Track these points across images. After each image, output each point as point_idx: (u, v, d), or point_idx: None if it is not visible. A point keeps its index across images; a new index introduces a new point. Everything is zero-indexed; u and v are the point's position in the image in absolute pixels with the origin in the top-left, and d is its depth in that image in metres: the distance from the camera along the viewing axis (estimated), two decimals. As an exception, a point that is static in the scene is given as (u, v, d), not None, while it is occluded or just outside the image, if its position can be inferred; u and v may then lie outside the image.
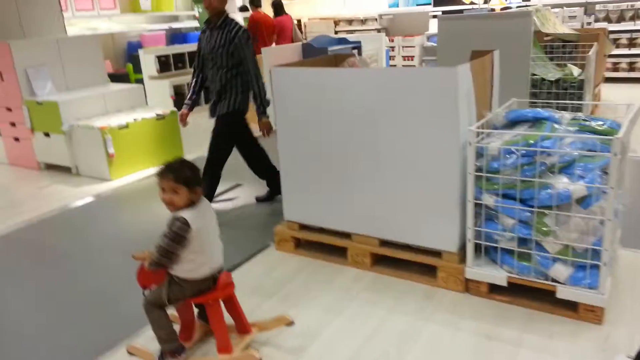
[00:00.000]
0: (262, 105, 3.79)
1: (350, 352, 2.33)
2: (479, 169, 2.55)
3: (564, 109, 3.02)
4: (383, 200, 2.87)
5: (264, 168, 4.21)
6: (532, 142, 2.42)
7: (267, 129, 3.88)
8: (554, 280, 2.47)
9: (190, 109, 4.09)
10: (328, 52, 6.30)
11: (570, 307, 2.46)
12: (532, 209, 2.43)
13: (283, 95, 3.07)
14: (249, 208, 4.18)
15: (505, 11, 7.37)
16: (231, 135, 3.96)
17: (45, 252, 3.61)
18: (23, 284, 3.19)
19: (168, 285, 2.18)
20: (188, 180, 2.11)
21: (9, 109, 5.49)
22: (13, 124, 5.55)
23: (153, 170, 5.32)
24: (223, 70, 3.73)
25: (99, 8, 9.76)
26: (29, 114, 5.32)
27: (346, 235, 3.08)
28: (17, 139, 5.61)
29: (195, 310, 2.42)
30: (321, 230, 3.18)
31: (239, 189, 4.63)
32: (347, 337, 2.44)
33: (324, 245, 3.18)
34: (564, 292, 2.43)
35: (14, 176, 5.49)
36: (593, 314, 2.40)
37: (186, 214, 2.10)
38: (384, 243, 2.96)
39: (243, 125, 4.04)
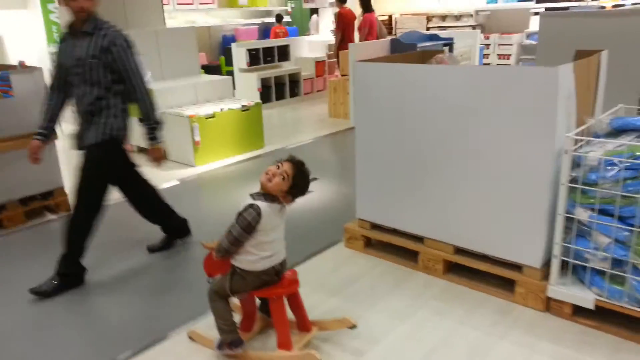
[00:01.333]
0: (154, 128, 3.08)
1: (414, 362, 2.22)
2: (573, 180, 2.32)
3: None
4: (462, 206, 2.71)
5: (156, 209, 3.42)
6: (638, 154, 2.16)
7: (158, 157, 3.13)
8: (651, 310, 2.20)
9: (46, 139, 3.11)
10: (417, 49, 6.12)
11: (670, 342, 2.18)
12: (632, 228, 2.17)
13: (364, 90, 2.98)
14: (323, 202, 4.14)
15: (617, 9, 6.75)
16: (104, 174, 3.02)
17: (126, 231, 3.80)
18: (103, 258, 3.37)
19: (231, 276, 2.19)
20: (296, 184, 2.14)
21: (110, 94, 5.87)
22: (112, 108, 5.92)
23: (235, 159, 5.46)
24: (95, 88, 2.87)
25: (199, 2, 10.22)
26: (127, 99, 5.65)
27: (419, 239, 2.95)
28: (115, 122, 5.98)
29: (258, 302, 2.42)
30: (393, 231, 3.07)
31: (314, 183, 4.61)
32: (411, 345, 2.32)
33: (395, 247, 3.07)
34: (663, 325, 2.15)
35: (110, 156, 5.86)
36: (698, 354, 2.11)
37: (262, 205, 2.08)
38: (459, 251, 2.80)
39: (121, 158, 3.18)
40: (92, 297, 2.89)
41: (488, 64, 9.90)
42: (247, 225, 2.06)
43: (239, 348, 2.21)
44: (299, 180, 2.14)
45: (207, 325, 2.46)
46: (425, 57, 3.52)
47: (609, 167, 2.20)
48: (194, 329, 2.46)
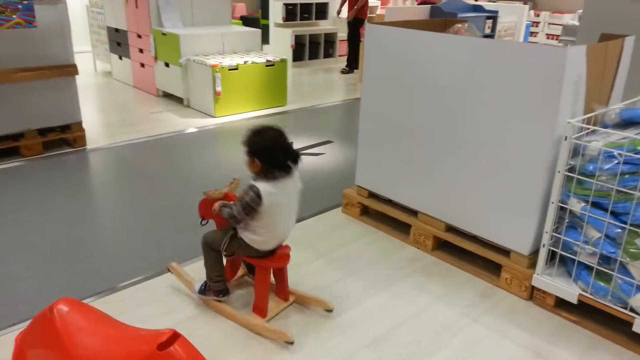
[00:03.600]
0: None
1: (381, 331, 2.22)
2: (571, 169, 2.23)
3: None
4: (458, 184, 2.65)
5: None
6: (641, 148, 2.04)
7: None
8: (633, 311, 2.12)
9: None
10: (457, 18, 5.89)
11: (646, 346, 2.11)
12: (625, 226, 2.08)
13: (373, 55, 2.90)
14: (332, 165, 4.12)
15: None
16: None
17: (137, 171, 3.89)
18: (108, 194, 3.48)
19: (230, 239, 2.15)
20: (248, 145, 2.02)
21: (139, 36, 5.91)
22: (141, 50, 5.98)
23: (255, 113, 5.47)
24: None
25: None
26: (155, 43, 5.68)
27: (413, 213, 2.91)
28: (142, 65, 6.05)
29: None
30: (389, 202, 3.04)
31: (328, 146, 4.58)
32: (383, 315, 2.33)
33: (389, 217, 3.04)
34: (641, 327, 2.08)
35: (134, 98, 5.96)
36: (673, 361, 2.04)
37: (261, 186, 2.00)
38: (450, 229, 2.75)
39: None
40: (91, 230, 2.99)
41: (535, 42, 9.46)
42: (246, 205, 2.00)
43: (224, 297, 2.27)
44: (251, 141, 2.02)
45: (191, 269, 2.53)
46: (447, 26, 3.39)
47: (608, 159, 2.09)
48: (176, 264, 2.48)
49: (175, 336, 1.52)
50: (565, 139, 2.18)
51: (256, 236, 2.10)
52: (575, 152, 2.23)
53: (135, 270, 2.59)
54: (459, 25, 2.99)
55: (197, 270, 2.45)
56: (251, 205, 2.00)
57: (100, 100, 5.86)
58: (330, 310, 2.31)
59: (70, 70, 3.99)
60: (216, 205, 2.16)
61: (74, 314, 1.61)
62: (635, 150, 2.04)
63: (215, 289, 2.26)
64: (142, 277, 2.53)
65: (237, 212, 2.03)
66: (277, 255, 2.19)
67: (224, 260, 2.29)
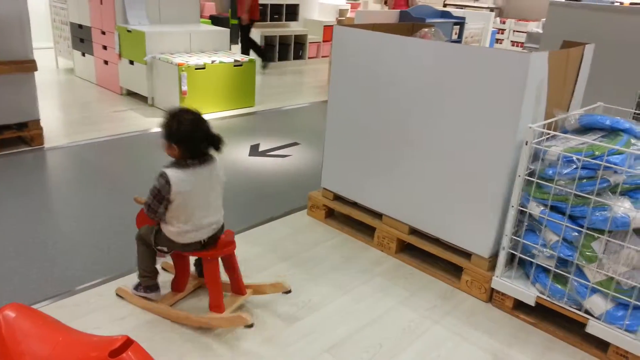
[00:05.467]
0: None
1: (343, 334, 2.21)
2: (531, 173, 2.27)
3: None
4: (421, 186, 2.66)
5: None
6: (598, 153, 2.09)
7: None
8: (587, 312, 2.17)
9: None
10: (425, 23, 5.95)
11: (599, 346, 2.16)
12: (581, 229, 2.13)
13: (340, 56, 2.89)
14: (297, 167, 4.10)
15: (633, 6, 6.51)
16: None
17: (96, 172, 3.78)
18: (66, 195, 3.36)
19: (155, 232, 2.12)
20: (166, 129, 1.95)
21: (103, 32, 5.76)
22: (105, 47, 5.83)
23: (222, 114, 5.40)
24: None
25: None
26: (119, 40, 5.55)
27: (378, 216, 2.91)
28: (106, 62, 5.90)
29: (192, 261, 2.39)
30: (354, 205, 3.04)
31: (294, 148, 4.56)
32: (346, 318, 2.32)
33: (354, 220, 3.04)
34: (595, 328, 2.13)
35: (97, 96, 5.81)
36: (624, 361, 2.09)
37: (171, 172, 1.94)
38: (414, 232, 2.77)
39: None
40: (46, 231, 2.88)
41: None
42: (156, 193, 1.96)
43: (153, 294, 2.23)
44: (169, 125, 1.94)
45: (129, 283, 2.44)
46: (414, 30, 3.42)
47: (567, 164, 2.14)
48: (122, 286, 2.36)
49: (128, 342, 1.47)
50: (526, 144, 2.22)
51: (170, 227, 2.05)
52: (536, 156, 2.27)
53: (91, 274, 2.51)
54: (426, 29, 3.01)
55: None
56: (161, 193, 1.95)
57: (61, 98, 5.68)
58: (288, 292, 2.29)
59: (29, 65, 3.85)
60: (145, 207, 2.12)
61: (21, 320, 1.55)
62: (592, 155, 2.08)
63: (145, 283, 2.22)
64: (98, 281, 2.45)
65: (149, 199, 1.99)
66: (221, 242, 2.14)
67: (156, 257, 2.24)
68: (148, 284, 2.22)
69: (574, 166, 2.13)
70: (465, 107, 2.42)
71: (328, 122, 3.06)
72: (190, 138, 1.96)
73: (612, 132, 2.29)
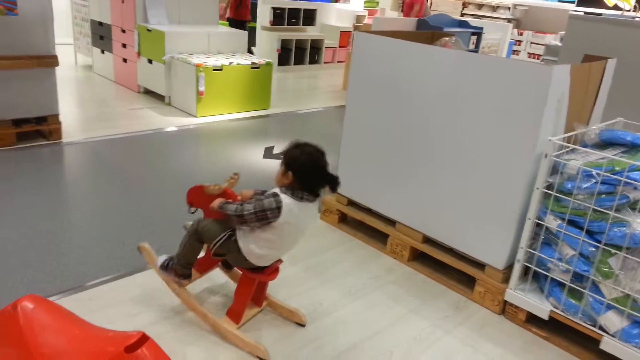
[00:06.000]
0: None
1: (354, 341, 2.20)
2: (549, 186, 2.25)
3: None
4: (436, 195, 2.65)
5: None
6: (618, 169, 2.07)
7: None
8: (601, 329, 2.14)
9: None
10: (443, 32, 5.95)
11: (614, 365, 2.14)
12: (599, 245, 2.11)
13: (360, 62, 2.90)
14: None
15: (653, 22, 6.44)
16: None
17: (112, 168, 3.81)
18: (82, 190, 3.39)
19: (226, 238, 2.01)
20: (288, 157, 1.93)
21: (123, 31, 5.82)
22: (124, 45, 5.88)
23: (237, 115, 5.42)
24: None
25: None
26: (139, 39, 5.60)
27: (391, 223, 2.90)
28: (125, 60, 5.96)
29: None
30: (368, 211, 3.03)
31: (309, 152, 4.56)
32: (357, 325, 2.31)
33: (367, 226, 3.03)
34: (610, 345, 2.10)
35: (115, 93, 5.86)
36: (640, 380, 2.06)
37: (285, 199, 1.87)
38: (428, 240, 2.75)
39: None
40: (63, 225, 2.91)
41: (516, 60, 9.61)
42: (261, 210, 1.87)
43: (184, 281, 2.19)
44: (291, 153, 1.93)
45: (144, 279, 2.44)
46: (434, 39, 3.42)
47: (586, 178, 2.12)
48: (147, 245, 2.35)
49: (143, 339, 1.47)
50: (546, 157, 2.21)
51: (257, 249, 1.96)
52: (554, 169, 2.26)
53: (105, 269, 2.53)
54: (447, 38, 3.01)
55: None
56: (266, 213, 1.87)
57: (79, 94, 5.74)
58: (302, 325, 2.26)
59: (50, 61, 3.90)
60: (216, 202, 2.03)
61: (38, 312, 1.56)
62: (612, 170, 2.07)
63: (178, 272, 2.16)
64: (112, 277, 2.47)
65: (247, 211, 1.88)
66: (268, 270, 2.10)
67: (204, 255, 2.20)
68: (182, 272, 2.16)
69: (594, 181, 2.11)
70: (485, 117, 2.41)
71: (345, 127, 3.07)
72: (309, 170, 1.92)
73: (632, 148, 2.27)
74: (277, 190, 1.92)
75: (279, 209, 1.87)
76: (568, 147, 2.28)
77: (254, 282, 2.13)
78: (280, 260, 2.16)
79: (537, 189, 2.26)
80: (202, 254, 2.25)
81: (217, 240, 2.02)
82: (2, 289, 2.30)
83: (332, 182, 1.93)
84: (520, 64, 2.31)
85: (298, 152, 1.94)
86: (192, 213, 2.26)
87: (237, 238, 2.00)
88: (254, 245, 1.96)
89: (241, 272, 2.14)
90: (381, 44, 2.78)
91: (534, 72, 2.23)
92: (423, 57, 2.59)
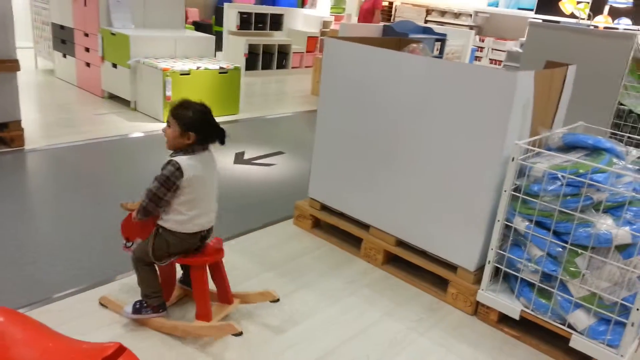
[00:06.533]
0: None
1: (330, 346, 2.21)
2: (516, 189, 2.32)
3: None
4: (408, 199, 2.69)
5: None
6: (582, 171, 2.16)
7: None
8: (570, 327, 2.22)
9: None
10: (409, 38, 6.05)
11: (582, 360, 2.21)
12: (565, 245, 2.18)
13: (330, 68, 2.92)
14: (284, 177, 4.10)
15: (605, 30, 6.76)
16: None
17: (77, 175, 3.71)
18: (47, 198, 3.29)
19: (154, 237, 2.07)
20: (182, 118, 1.97)
21: (86, 34, 5.69)
22: (87, 49, 5.75)
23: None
24: None
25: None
26: (102, 43, 5.48)
27: (365, 227, 2.93)
28: (88, 64, 5.82)
29: (179, 274, 2.37)
30: (341, 215, 3.05)
31: (279, 157, 4.56)
32: (333, 330, 2.32)
33: (341, 231, 3.05)
34: (578, 342, 2.18)
35: (78, 99, 5.71)
36: (606, 375, 2.14)
37: (181, 159, 1.97)
38: (401, 243, 2.79)
39: None
40: (27, 234, 2.81)
41: (479, 66, 9.86)
42: (165, 179, 1.95)
43: (162, 312, 2.17)
44: (185, 115, 1.98)
45: (113, 289, 2.42)
46: (401, 45, 3.47)
47: (552, 181, 2.20)
48: (106, 295, 2.32)
49: (120, 350, 1.44)
50: (513, 160, 2.28)
51: (180, 215, 2.03)
52: (521, 172, 2.33)
53: (74, 279, 2.46)
54: (414, 45, 3.07)
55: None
56: (171, 179, 1.95)
57: (41, 99, 5.57)
58: (276, 300, 2.29)
59: (11, 65, 3.77)
60: (133, 213, 2.09)
61: (9, 325, 1.50)
62: (577, 173, 2.15)
63: (153, 304, 2.15)
64: (81, 287, 2.40)
65: (156, 189, 1.97)
66: (210, 249, 2.13)
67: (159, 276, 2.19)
68: (157, 303, 2.15)
69: (559, 183, 2.19)
70: (452, 122, 2.46)
71: (317, 132, 3.08)
72: (205, 125, 2.01)
73: (594, 151, 2.36)
74: (170, 158, 2.00)
75: (179, 169, 1.95)
76: (533, 150, 2.36)
77: (203, 270, 2.12)
78: (219, 240, 2.18)
79: (505, 191, 2.32)
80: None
81: (150, 247, 2.07)
82: (-35, 303, 2.21)
83: (222, 134, 2.05)
84: (487, 70, 2.38)
85: (191, 111, 2.00)
86: (129, 247, 2.25)
87: (162, 227, 2.06)
88: (177, 217, 2.03)
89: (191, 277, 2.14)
90: (351, 50, 2.81)
91: (499, 78, 2.30)
92: (392, 63, 2.64)
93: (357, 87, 2.80)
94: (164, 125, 2.05)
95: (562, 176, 2.17)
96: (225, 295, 2.26)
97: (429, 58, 2.59)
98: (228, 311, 2.25)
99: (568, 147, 2.43)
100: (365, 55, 2.74)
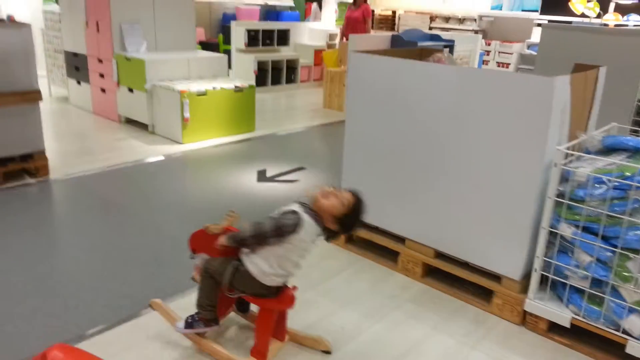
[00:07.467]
0: None
1: (383, 365, 2.17)
2: (560, 195, 2.29)
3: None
4: (446, 209, 2.67)
5: None
6: (628, 174, 2.12)
7: None
8: (625, 332, 2.18)
9: None
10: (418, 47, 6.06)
11: (641, 367, 2.16)
12: (615, 249, 2.15)
13: (358, 82, 2.91)
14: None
15: (618, 27, 6.74)
16: None
17: (104, 202, 3.71)
18: (76, 229, 3.29)
19: (234, 269, 2.01)
20: (352, 216, 1.97)
21: (100, 60, 5.73)
22: (102, 76, 5.78)
23: (223, 140, 5.37)
24: None
25: (201, -24, 10.00)
26: (117, 68, 5.51)
27: (400, 240, 2.90)
28: (103, 90, 5.85)
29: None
30: (375, 229, 3.02)
31: (301, 172, 4.55)
32: (382, 348, 2.28)
33: (376, 245, 3.02)
34: (636, 348, 2.13)
35: (95, 125, 5.74)
36: (667, 381, 2.09)
37: (306, 218, 1.91)
38: (439, 255, 2.76)
39: None
40: (64, 265, 2.80)
41: (486, 69, 9.85)
42: (280, 227, 1.88)
43: (214, 327, 2.14)
44: (355, 212, 1.96)
45: (175, 305, 2.40)
46: (423, 55, 3.47)
47: (597, 185, 2.17)
48: (156, 300, 2.34)
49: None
50: (555, 165, 2.25)
51: (266, 266, 1.95)
52: (562, 177, 2.30)
53: (116, 309, 2.44)
54: (439, 54, 3.06)
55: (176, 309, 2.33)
56: (286, 231, 1.88)
57: (58, 127, 5.60)
58: (329, 352, 2.22)
59: (33, 96, 3.80)
60: (222, 238, 2.03)
61: (72, 363, 1.48)
62: (623, 176, 2.12)
63: (205, 317, 2.11)
64: (125, 316, 2.38)
65: (268, 228, 1.89)
66: (285, 296, 2.07)
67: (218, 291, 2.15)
68: (210, 317, 2.11)
69: (605, 187, 2.16)
70: (489, 130, 2.44)
71: (346, 146, 3.07)
72: (353, 226, 2.04)
73: (636, 152, 2.33)
74: (296, 207, 1.94)
75: (297, 224, 1.90)
76: (573, 154, 2.33)
77: (273, 314, 2.09)
78: (294, 287, 2.12)
79: (550, 198, 2.29)
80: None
81: (227, 275, 2.02)
82: (16, 337, 2.19)
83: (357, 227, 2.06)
84: (524, 76, 2.36)
85: (362, 207, 2.00)
86: (192, 259, 2.23)
87: (245, 265, 2.00)
88: (264, 266, 1.96)
89: (257, 311, 2.11)
90: (378, 63, 2.80)
91: (537, 84, 2.28)
92: (424, 74, 2.62)
93: (388, 100, 2.79)
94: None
95: (609, 180, 2.14)
96: (280, 332, 2.20)
97: (462, 67, 2.59)
98: (279, 347, 2.20)
99: (608, 150, 2.40)
100: (394, 67, 2.73)
